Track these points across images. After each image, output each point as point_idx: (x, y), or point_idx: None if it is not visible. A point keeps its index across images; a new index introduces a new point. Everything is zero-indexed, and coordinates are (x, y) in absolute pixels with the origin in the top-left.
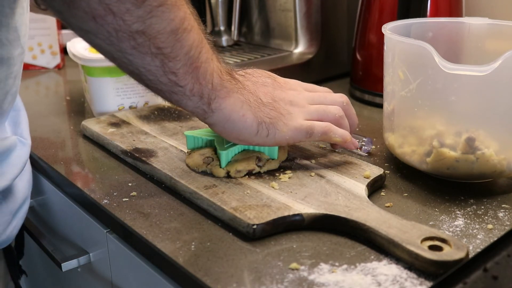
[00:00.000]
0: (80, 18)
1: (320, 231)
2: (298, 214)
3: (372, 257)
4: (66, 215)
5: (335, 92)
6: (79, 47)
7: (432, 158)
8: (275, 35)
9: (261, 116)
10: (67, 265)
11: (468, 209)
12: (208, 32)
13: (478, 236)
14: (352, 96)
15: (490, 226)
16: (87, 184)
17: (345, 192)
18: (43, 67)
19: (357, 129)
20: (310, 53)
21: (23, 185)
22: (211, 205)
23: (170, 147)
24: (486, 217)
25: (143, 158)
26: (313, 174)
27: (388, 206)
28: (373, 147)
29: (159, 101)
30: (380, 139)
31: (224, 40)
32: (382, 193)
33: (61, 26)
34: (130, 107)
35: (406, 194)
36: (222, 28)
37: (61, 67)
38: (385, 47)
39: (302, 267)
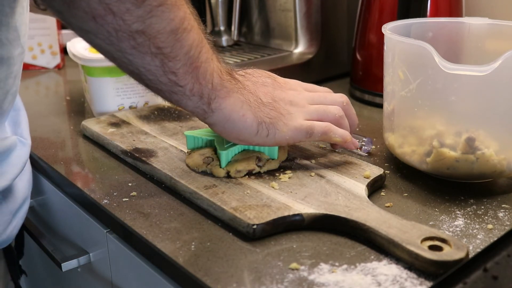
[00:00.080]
0: (80, 18)
1: (320, 231)
2: (298, 214)
3: (372, 257)
4: (66, 215)
5: (335, 92)
6: (79, 47)
7: (432, 158)
8: (275, 35)
9: (261, 116)
10: (67, 265)
11: (468, 209)
12: (208, 32)
13: (478, 236)
14: (352, 96)
15: (490, 226)
16: (87, 184)
17: (345, 192)
18: (43, 67)
19: (357, 129)
20: (310, 53)
21: (23, 185)
22: (211, 205)
23: (170, 147)
24: (486, 217)
25: (143, 158)
26: (313, 174)
27: (388, 206)
28: (373, 147)
29: (159, 101)
30: (380, 139)
31: (224, 40)
32: (382, 193)
33: (61, 26)
34: (130, 107)
35: (406, 194)
36: (222, 28)
37: (61, 67)
38: (385, 47)
39: (302, 267)
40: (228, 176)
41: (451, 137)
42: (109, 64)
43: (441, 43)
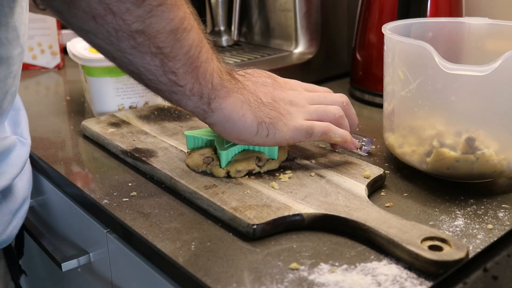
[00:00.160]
0: (80, 18)
1: (320, 231)
2: (298, 214)
3: (372, 257)
4: (66, 215)
5: (335, 92)
6: (79, 47)
7: (432, 158)
8: (275, 35)
9: (261, 116)
10: (67, 265)
11: (468, 209)
12: (208, 32)
13: (478, 236)
14: (352, 96)
15: (490, 226)
16: (87, 184)
17: (345, 192)
18: (43, 67)
19: (357, 129)
20: (310, 53)
21: (23, 185)
22: (211, 205)
23: (170, 147)
24: (486, 217)
25: (143, 158)
26: (313, 174)
27: (388, 206)
28: (373, 147)
29: (159, 101)
30: (380, 139)
31: (224, 40)
32: (382, 193)
33: (61, 26)
34: (130, 107)
35: (406, 194)
36: (222, 28)
37: (61, 67)
38: (385, 47)
39: (302, 267)
40: (228, 176)
41: (451, 137)
42: (109, 64)
43: (441, 43)
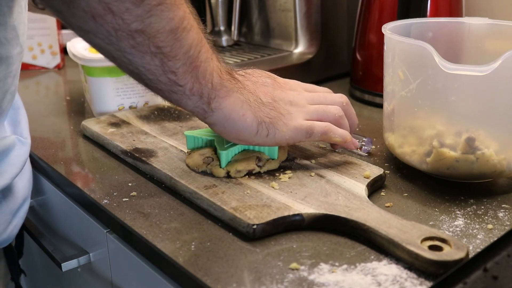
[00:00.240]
0: (79, 18)
1: (320, 231)
2: (298, 214)
3: (372, 257)
4: (66, 215)
5: (335, 92)
6: (79, 47)
7: (432, 158)
8: (275, 35)
9: (261, 116)
10: (67, 265)
11: (468, 209)
12: (208, 32)
13: (478, 236)
14: (352, 96)
15: (490, 226)
16: (87, 184)
17: (345, 192)
18: (43, 67)
19: (357, 129)
20: (310, 53)
21: (23, 184)
22: (211, 205)
23: (170, 147)
24: (486, 217)
25: (143, 158)
26: (313, 174)
27: (388, 206)
28: (373, 147)
29: (159, 101)
30: (380, 139)
31: (224, 40)
32: (382, 193)
33: (61, 26)
34: (130, 107)
35: (406, 194)
36: (222, 28)
37: (61, 67)
38: (385, 47)
39: (302, 267)
40: (228, 176)
41: (451, 137)
42: (109, 64)
43: (441, 43)
